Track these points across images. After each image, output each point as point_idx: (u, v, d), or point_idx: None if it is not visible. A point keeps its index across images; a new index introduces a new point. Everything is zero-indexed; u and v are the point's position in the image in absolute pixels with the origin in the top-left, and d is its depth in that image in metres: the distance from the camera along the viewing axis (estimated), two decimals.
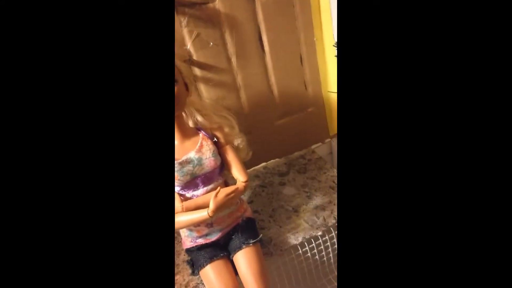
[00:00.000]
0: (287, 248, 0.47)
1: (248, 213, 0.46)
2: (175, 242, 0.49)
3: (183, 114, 0.40)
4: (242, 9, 0.50)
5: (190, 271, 0.43)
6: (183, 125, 0.39)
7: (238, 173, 0.41)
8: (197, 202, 0.38)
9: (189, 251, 0.43)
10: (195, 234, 0.41)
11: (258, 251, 0.42)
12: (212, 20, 0.48)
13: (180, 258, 0.47)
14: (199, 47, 0.48)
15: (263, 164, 0.63)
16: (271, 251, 0.47)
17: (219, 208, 0.36)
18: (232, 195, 0.37)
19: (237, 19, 0.50)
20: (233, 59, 0.51)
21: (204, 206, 0.37)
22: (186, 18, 0.45)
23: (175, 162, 0.37)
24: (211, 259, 0.40)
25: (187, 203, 0.37)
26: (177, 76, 0.36)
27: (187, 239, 0.43)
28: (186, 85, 0.38)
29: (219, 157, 0.40)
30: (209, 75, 0.50)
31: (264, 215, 0.53)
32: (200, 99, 0.49)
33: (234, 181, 0.42)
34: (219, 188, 0.37)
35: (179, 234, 0.50)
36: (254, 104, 0.56)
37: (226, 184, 0.43)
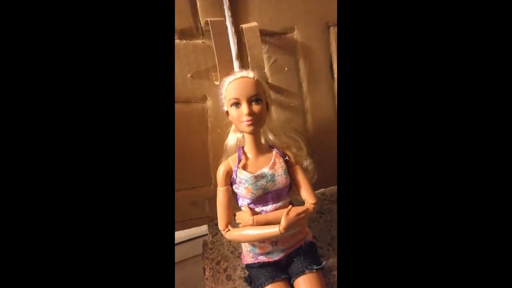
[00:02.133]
0: None
1: (310, 237, 0.45)
2: (233, 256, 0.50)
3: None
4: (317, 39, 0.53)
5: None
6: (259, 142, 0.41)
7: (307, 194, 0.41)
8: (268, 217, 0.38)
9: (249, 267, 0.43)
10: (257, 250, 0.41)
11: (320, 278, 0.40)
12: (289, 48, 0.51)
13: (237, 274, 0.47)
14: (275, 72, 0.51)
15: (321, 190, 0.62)
16: (331, 283, 0.44)
17: (290, 226, 0.36)
18: (303, 215, 0.37)
19: (311, 48, 0.53)
20: (304, 85, 0.54)
21: (274, 222, 0.37)
22: (267, 46, 0.49)
23: (251, 175, 0.38)
24: (272, 280, 0.40)
25: (258, 217, 0.38)
26: (262, 94, 0.39)
27: (248, 255, 0.43)
28: (267, 104, 0.40)
29: (289, 176, 0.41)
30: (280, 98, 0.53)
31: (323, 243, 0.51)
32: (271, 120, 0.52)
33: (297, 202, 0.42)
34: (290, 206, 0.37)
35: (235, 249, 0.50)
36: (318, 128, 0.57)
37: (291, 204, 0.43)
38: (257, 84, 0.38)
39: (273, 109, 0.55)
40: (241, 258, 0.46)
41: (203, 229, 0.58)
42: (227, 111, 0.40)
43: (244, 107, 0.37)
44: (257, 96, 0.37)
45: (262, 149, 0.41)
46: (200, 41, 0.45)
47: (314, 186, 0.60)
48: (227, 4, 0.45)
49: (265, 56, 0.50)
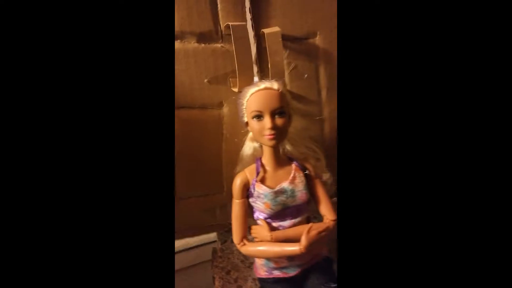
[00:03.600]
0: None
1: (326, 252, 0.44)
2: (244, 266, 0.49)
3: None
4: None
5: None
6: (278, 154, 0.40)
7: (327, 211, 0.39)
8: (287, 234, 0.37)
9: (263, 281, 0.42)
10: (272, 265, 0.41)
11: None
12: (310, 54, 0.49)
13: (248, 285, 0.46)
14: (294, 78, 0.49)
15: (334, 199, 0.61)
16: None
17: (311, 245, 0.35)
18: (324, 233, 0.36)
19: (333, 54, 0.51)
20: (323, 92, 0.52)
21: (293, 239, 0.36)
22: (287, 51, 0.47)
23: (270, 191, 0.37)
24: None
25: (277, 234, 0.37)
26: (285, 108, 0.37)
27: (261, 268, 0.42)
28: (290, 116, 0.39)
29: (309, 191, 0.40)
30: (298, 105, 0.51)
31: (335, 254, 0.50)
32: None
33: (314, 217, 0.41)
34: (311, 224, 0.36)
35: (245, 258, 0.50)
36: (336, 137, 0.55)
37: (308, 219, 0.42)
38: (282, 96, 0.36)
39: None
40: (251, 269, 0.46)
41: (213, 235, 0.57)
42: (246, 122, 0.38)
43: (267, 121, 0.35)
44: (281, 109, 0.36)
45: (281, 161, 0.40)
46: (219, 45, 0.43)
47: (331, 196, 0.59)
48: (249, 6, 0.43)
49: (284, 62, 0.48)
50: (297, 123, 0.52)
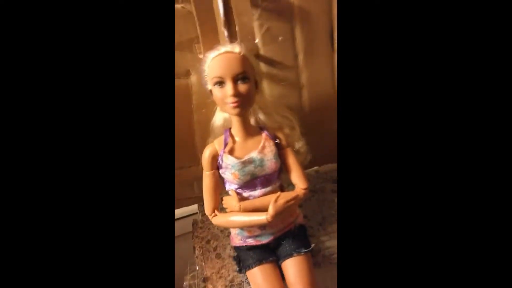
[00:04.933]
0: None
1: (300, 219, 0.44)
2: (223, 235, 0.50)
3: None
4: (316, 3, 0.46)
5: (236, 267, 0.44)
6: (247, 124, 0.38)
7: (298, 179, 0.39)
8: (255, 203, 0.37)
9: (237, 249, 0.43)
10: (246, 233, 0.41)
11: (308, 261, 0.40)
12: (285, 13, 0.45)
13: (226, 253, 0.47)
14: (268, 42, 0.46)
15: (316, 168, 0.60)
16: (319, 262, 0.45)
17: (278, 214, 0.34)
18: (292, 202, 0.36)
19: (310, 13, 0.46)
20: (300, 56, 0.49)
21: (262, 208, 0.36)
22: (259, 11, 0.43)
23: (238, 161, 0.36)
24: (260, 262, 0.40)
25: (245, 204, 0.37)
26: (249, 73, 0.34)
27: (236, 237, 0.42)
28: (256, 82, 0.36)
29: (279, 160, 0.39)
30: (274, 71, 0.48)
31: (313, 223, 0.51)
32: (262, 97, 0.48)
33: (288, 184, 0.41)
34: (279, 193, 0.36)
35: (226, 228, 0.50)
36: (315, 104, 0.53)
37: (281, 188, 0.41)
38: (244, 60, 0.34)
39: (265, 84, 0.51)
40: (230, 238, 0.46)
41: (193, 208, 0.58)
42: (210, 90, 0.36)
43: (228, 87, 0.33)
44: (244, 74, 0.33)
45: (250, 131, 0.38)
46: (179, 5, 0.39)
47: (309, 165, 0.58)
48: None
49: (256, 24, 0.45)
50: (272, 91, 0.50)
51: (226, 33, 0.41)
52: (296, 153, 0.41)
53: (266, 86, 0.50)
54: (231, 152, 0.37)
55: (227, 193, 0.40)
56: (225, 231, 0.50)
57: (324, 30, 0.48)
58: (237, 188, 0.38)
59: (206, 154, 0.38)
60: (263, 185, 0.38)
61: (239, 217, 0.36)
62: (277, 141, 0.39)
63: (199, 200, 0.53)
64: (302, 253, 0.40)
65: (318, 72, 0.51)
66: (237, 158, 0.36)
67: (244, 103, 0.34)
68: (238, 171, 0.36)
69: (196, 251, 0.48)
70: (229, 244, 0.48)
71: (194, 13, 0.38)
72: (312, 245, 0.41)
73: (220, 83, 0.34)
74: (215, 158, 0.38)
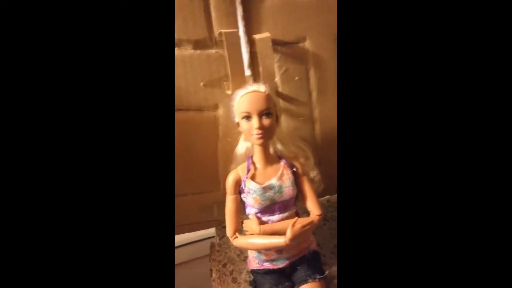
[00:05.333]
0: None
1: (314, 246, 0.46)
2: (239, 259, 0.51)
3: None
4: (328, 49, 0.53)
5: None
6: (267, 152, 0.42)
7: (313, 206, 0.42)
8: (274, 227, 0.40)
9: (254, 272, 0.44)
10: (263, 257, 0.43)
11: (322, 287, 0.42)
12: (300, 58, 0.52)
13: (242, 277, 0.49)
14: (285, 81, 0.52)
15: (327, 197, 0.63)
16: None
17: (295, 238, 0.37)
18: (308, 227, 0.38)
19: (322, 58, 0.53)
20: (314, 94, 0.54)
21: (281, 232, 0.39)
22: (279, 55, 0.50)
23: (259, 186, 0.40)
24: (276, 286, 0.41)
25: (265, 227, 0.40)
26: (272, 108, 0.39)
27: (254, 260, 0.44)
28: (277, 117, 0.41)
29: (296, 187, 0.42)
30: (290, 107, 0.53)
31: (326, 250, 0.52)
32: (280, 129, 0.53)
33: (303, 210, 0.43)
34: (296, 218, 0.39)
35: (241, 252, 0.52)
36: (326, 137, 0.57)
37: (297, 214, 0.44)
38: (268, 98, 0.39)
39: (283, 118, 0.56)
40: (246, 262, 0.48)
41: (211, 231, 0.60)
42: (238, 123, 0.41)
43: (254, 121, 0.38)
44: (268, 110, 0.38)
45: (270, 159, 0.42)
46: (213, 51, 0.46)
47: (321, 194, 0.61)
48: (241, 14, 0.46)
49: (276, 65, 0.51)
50: (288, 124, 0.55)
51: (250, 73, 0.47)
52: (311, 181, 0.44)
53: (283, 120, 0.55)
54: (253, 178, 0.41)
55: (247, 217, 0.43)
56: (241, 255, 0.52)
57: (334, 72, 0.54)
58: (257, 213, 0.41)
59: (230, 179, 0.41)
60: (281, 211, 0.41)
61: (259, 239, 0.39)
62: (294, 169, 0.43)
63: (218, 224, 0.55)
64: (317, 280, 0.41)
65: (329, 108, 0.56)
66: (258, 183, 0.40)
67: (267, 134, 0.39)
68: (259, 196, 0.40)
69: (213, 274, 0.50)
70: (245, 268, 0.50)
71: (226, 56, 0.44)
72: (326, 272, 0.43)
73: (248, 117, 0.39)
74: (238, 183, 0.41)
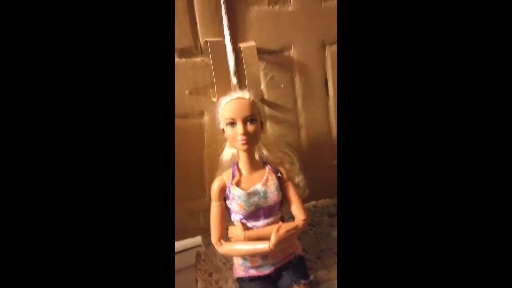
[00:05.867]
0: None
1: (299, 251, 0.46)
2: (225, 268, 0.51)
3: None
4: (313, 57, 0.54)
5: None
6: (252, 158, 0.42)
7: (297, 211, 0.42)
8: (259, 233, 0.40)
9: (240, 280, 0.44)
10: (248, 264, 0.43)
11: None
12: (285, 65, 0.53)
13: (228, 286, 0.48)
14: (271, 88, 0.53)
15: (313, 202, 0.64)
16: None
17: (280, 243, 0.37)
18: (292, 231, 0.39)
19: (307, 65, 0.54)
20: (299, 101, 0.55)
21: (265, 237, 0.39)
22: (264, 63, 0.51)
23: (244, 192, 0.40)
24: None
25: (249, 233, 0.39)
26: (256, 115, 0.40)
27: (239, 268, 0.44)
28: (261, 123, 0.42)
29: (281, 192, 0.42)
30: (276, 113, 0.54)
31: (311, 255, 0.52)
32: (266, 135, 0.54)
33: (289, 215, 0.44)
34: (280, 223, 0.39)
35: (227, 260, 0.52)
36: (312, 143, 0.58)
37: (282, 219, 0.45)
38: (252, 105, 0.40)
39: (268, 124, 0.56)
40: (232, 270, 0.48)
41: (197, 240, 0.59)
42: (223, 129, 0.41)
43: (239, 127, 0.38)
44: (252, 117, 0.39)
45: (255, 165, 0.43)
46: (199, 59, 0.47)
47: (306, 199, 0.61)
48: (227, 23, 0.47)
49: (262, 73, 0.52)
50: (274, 130, 0.55)
51: (235, 80, 0.48)
52: (296, 186, 0.45)
53: (269, 126, 0.56)
54: (238, 184, 0.41)
55: (232, 224, 0.43)
56: (227, 263, 0.51)
57: (319, 79, 0.56)
58: (242, 219, 0.41)
59: (215, 186, 0.41)
60: (266, 216, 0.41)
61: (243, 245, 0.39)
62: (279, 175, 0.43)
63: (204, 232, 0.55)
64: (302, 285, 0.41)
65: (314, 114, 0.57)
66: (243, 189, 0.40)
67: (251, 140, 0.39)
68: (244, 202, 0.40)
69: (199, 284, 0.49)
70: (231, 277, 0.49)
71: (211, 64, 0.44)
72: (311, 277, 0.43)
73: (232, 123, 0.39)
74: (223, 189, 0.41)
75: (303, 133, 0.58)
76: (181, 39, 0.45)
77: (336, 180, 0.60)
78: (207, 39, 0.45)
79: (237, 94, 0.40)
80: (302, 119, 0.57)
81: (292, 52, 0.53)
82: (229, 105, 0.39)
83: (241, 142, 0.39)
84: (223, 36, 0.47)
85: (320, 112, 0.58)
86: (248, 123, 0.39)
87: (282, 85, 0.53)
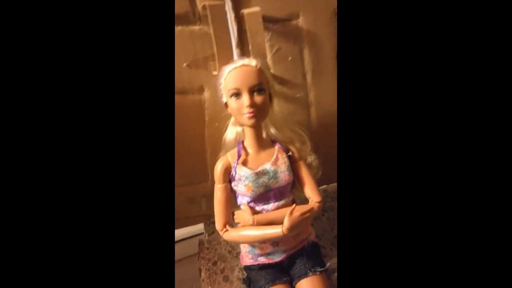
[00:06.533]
0: None
1: (313, 237, 0.42)
2: (231, 256, 0.47)
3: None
4: (323, 27, 0.49)
5: None
6: (260, 136, 0.38)
7: (311, 192, 0.38)
8: (269, 217, 0.36)
9: (248, 268, 0.40)
10: (257, 251, 0.39)
11: (324, 281, 0.38)
12: (294, 36, 0.48)
13: (234, 275, 0.45)
14: (278, 61, 0.48)
15: (324, 186, 0.60)
16: (334, 284, 0.42)
17: (294, 227, 0.33)
18: (307, 214, 0.35)
19: (317, 36, 0.49)
20: (308, 75, 0.51)
21: (276, 222, 0.35)
22: (270, 33, 0.46)
23: (251, 172, 0.36)
24: (273, 282, 0.37)
25: (259, 217, 0.35)
26: (264, 84, 0.35)
27: (247, 256, 0.40)
28: (270, 95, 0.37)
29: (292, 173, 0.38)
30: (283, 89, 0.50)
31: (325, 242, 0.49)
32: (273, 112, 0.49)
33: (300, 200, 0.40)
34: (294, 205, 0.35)
35: (233, 248, 0.48)
36: (322, 122, 0.54)
37: (294, 202, 0.40)
38: (260, 72, 0.35)
39: (276, 101, 0.52)
40: (239, 258, 0.44)
41: (199, 227, 0.55)
42: (226, 103, 0.37)
43: (245, 98, 0.34)
44: (260, 86, 0.34)
45: (263, 143, 0.38)
46: (197, 27, 0.42)
47: (317, 183, 0.58)
48: None
49: (267, 45, 0.47)
50: (282, 107, 0.51)
51: (239, 52, 0.43)
52: (309, 166, 0.41)
53: (276, 104, 0.51)
54: (244, 163, 0.37)
55: (238, 208, 0.39)
56: (233, 251, 0.48)
57: (330, 52, 0.51)
58: (250, 202, 0.37)
59: (219, 167, 0.37)
60: (277, 199, 0.37)
61: (253, 231, 0.35)
62: (290, 153, 0.39)
63: (207, 219, 0.51)
64: (318, 272, 0.38)
65: (325, 91, 0.53)
66: (250, 169, 0.36)
67: (259, 113, 0.35)
68: (252, 182, 0.36)
69: (202, 274, 0.46)
70: (237, 265, 0.46)
71: (212, 33, 0.40)
72: (328, 264, 0.39)
73: (237, 94, 0.34)
74: (228, 170, 0.37)
75: (313, 111, 0.53)
76: (176, 3, 0.40)
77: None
78: (206, 3, 0.40)
79: (242, 61, 0.35)
80: (312, 96, 0.52)
81: (301, 21, 0.48)
82: (233, 74, 0.35)
83: (248, 115, 0.34)
84: (223, 0, 0.42)
85: (331, 88, 0.53)
86: (255, 93, 0.34)
87: (290, 58, 0.49)
